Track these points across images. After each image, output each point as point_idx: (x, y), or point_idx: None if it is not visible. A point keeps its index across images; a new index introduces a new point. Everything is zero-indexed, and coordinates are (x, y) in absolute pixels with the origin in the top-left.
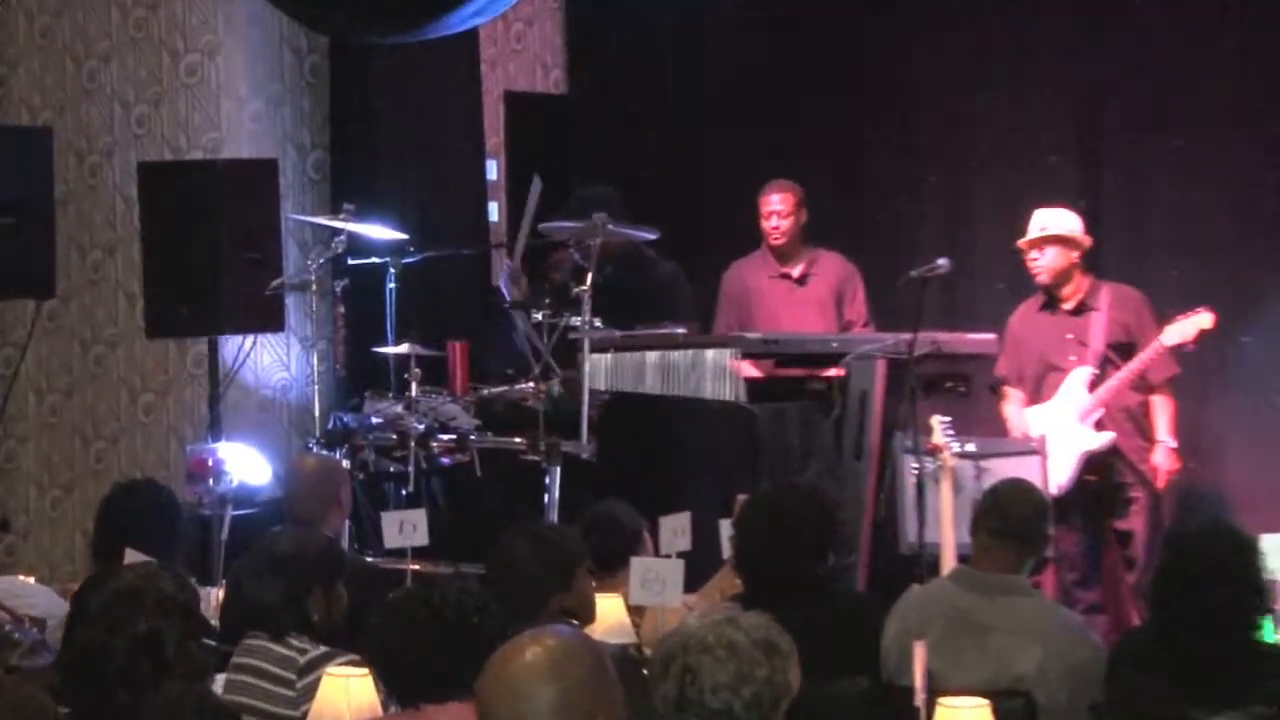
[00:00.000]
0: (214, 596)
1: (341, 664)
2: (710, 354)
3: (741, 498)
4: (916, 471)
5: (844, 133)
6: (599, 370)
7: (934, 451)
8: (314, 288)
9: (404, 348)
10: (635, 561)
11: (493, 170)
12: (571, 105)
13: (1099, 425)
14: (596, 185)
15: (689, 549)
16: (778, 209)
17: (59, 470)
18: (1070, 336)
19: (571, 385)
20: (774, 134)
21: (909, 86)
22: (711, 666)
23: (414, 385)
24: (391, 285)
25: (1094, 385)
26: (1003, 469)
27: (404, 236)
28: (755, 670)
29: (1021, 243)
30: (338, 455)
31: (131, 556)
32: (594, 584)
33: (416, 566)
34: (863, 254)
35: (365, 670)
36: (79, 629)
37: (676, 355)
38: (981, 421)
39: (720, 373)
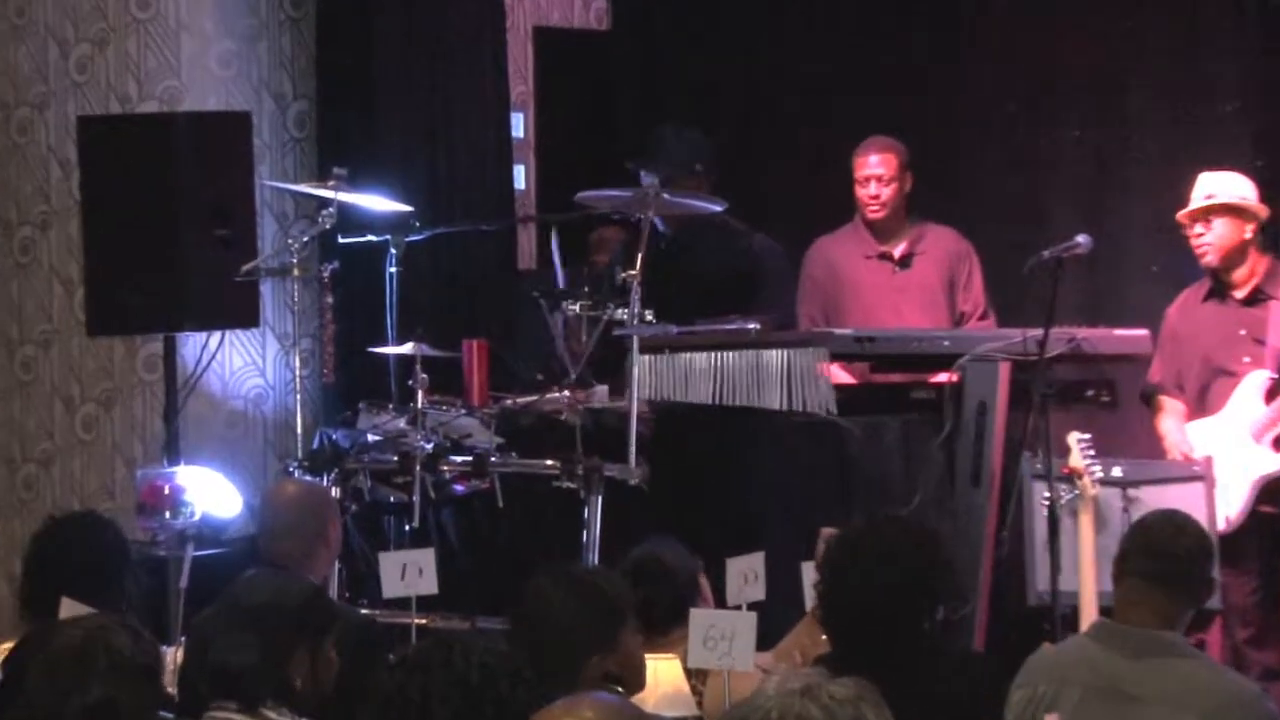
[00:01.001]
0: (172, 657)
1: None
2: (789, 355)
3: (828, 534)
4: (1048, 502)
5: (949, 74)
6: (650, 376)
7: (1071, 477)
8: (296, 273)
9: (408, 348)
10: (695, 614)
11: (519, 125)
12: (616, 44)
13: (1279, 443)
14: (684, 128)
15: (763, 598)
16: (877, 173)
17: None
18: (1243, 332)
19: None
20: (862, 79)
21: (1035, 10)
22: None
23: (420, 394)
24: (392, 269)
25: (1273, 394)
26: (1158, 498)
27: (408, 209)
28: None
29: (1182, 215)
30: (325, 482)
31: (69, 608)
32: (643, 643)
33: (423, 621)
34: (978, 231)
35: None
36: (14, 700)
37: (747, 357)
38: (1131, 439)
39: (802, 379)
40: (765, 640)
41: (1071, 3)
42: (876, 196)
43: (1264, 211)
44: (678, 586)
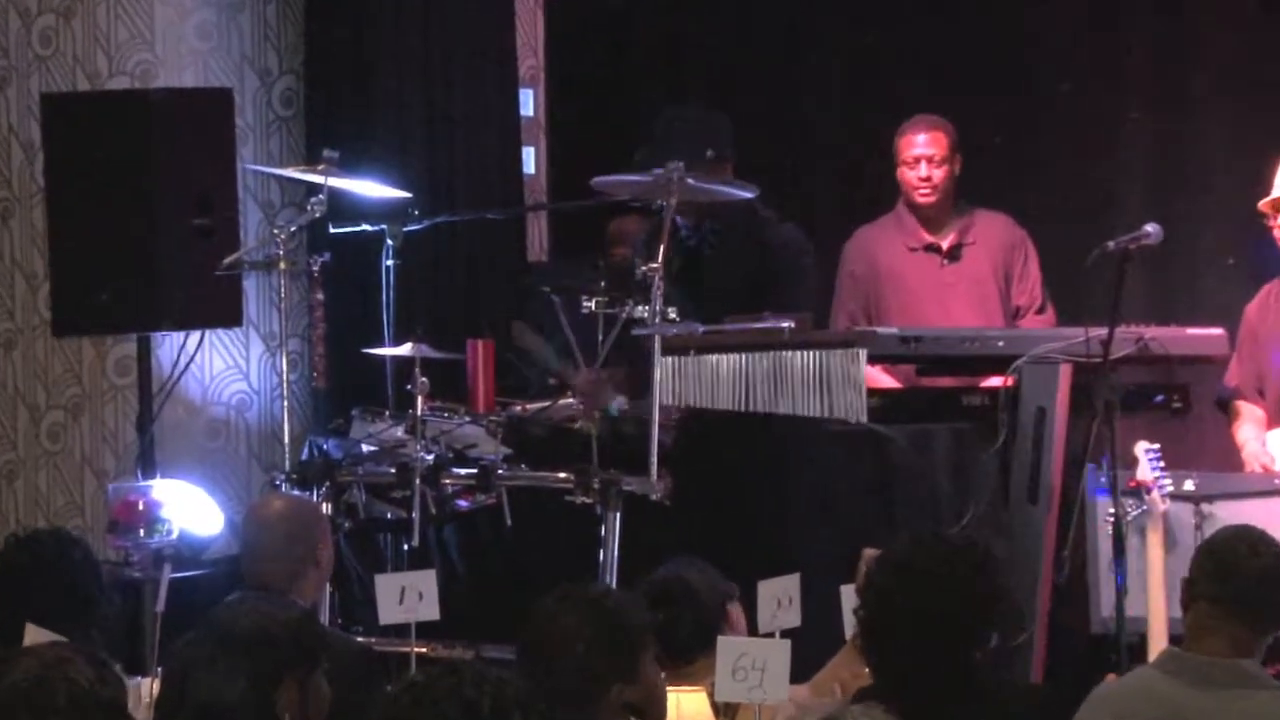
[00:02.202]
0: (147, 689)
1: None
2: (827, 357)
3: (870, 555)
4: (1113, 519)
5: (999, 49)
6: (673, 379)
7: (1138, 491)
8: (283, 266)
9: (406, 349)
10: (723, 642)
11: (529, 103)
12: (636, 12)
13: None
14: (693, 109)
15: (798, 625)
16: (927, 153)
17: None
18: None
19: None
20: (910, 54)
21: None
22: None
23: (419, 400)
24: (389, 262)
25: None
26: (1234, 514)
27: (406, 195)
28: None
29: (1263, 204)
30: (315, 497)
31: (34, 636)
32: (665, 673)
33: (423, 649)
34: (1035, 219)
35: None
36: None
37: (781, 359)
38: (1205, 449)
39: (841, 383)
40: (800, 671)
41: None
42: (927, 179)
43: None
44: (703, 611)
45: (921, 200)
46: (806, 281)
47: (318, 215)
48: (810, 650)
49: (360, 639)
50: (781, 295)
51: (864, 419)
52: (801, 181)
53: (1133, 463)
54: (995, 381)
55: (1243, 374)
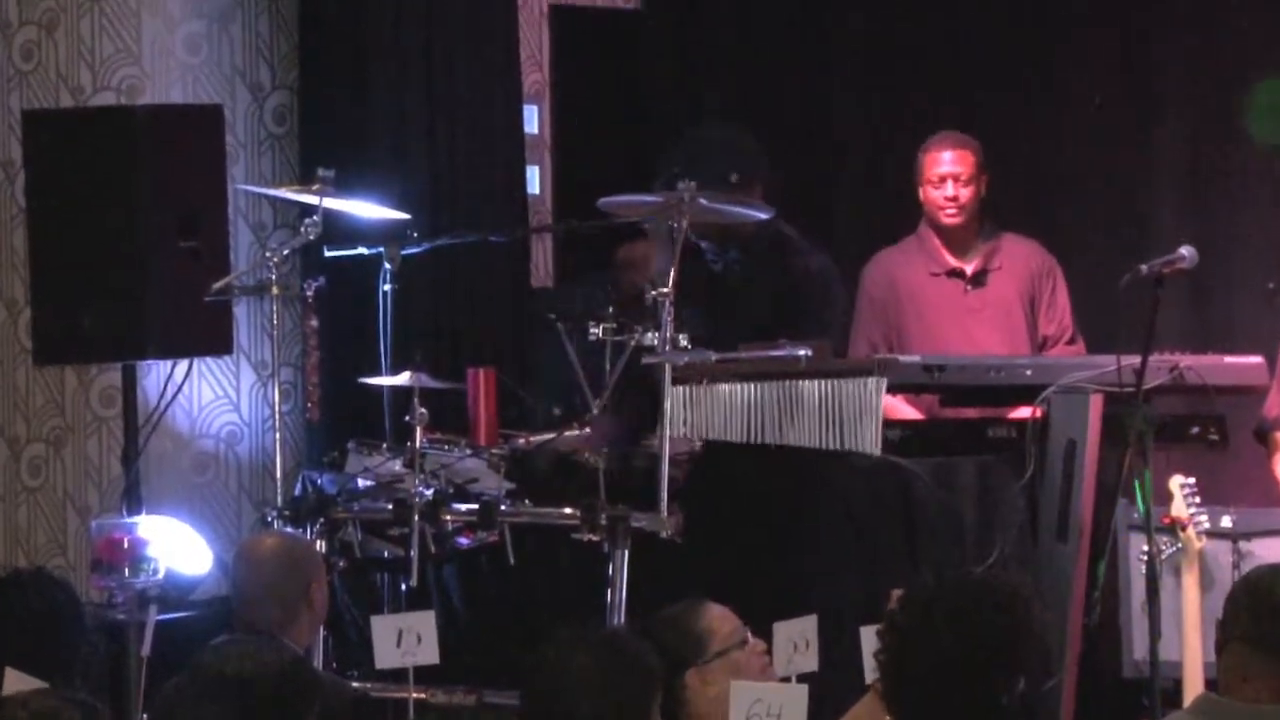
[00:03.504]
0: None
1: None
2: (847, 386)
3: (894, 595)
4: (1147, 557)
5: (1029, 62)
6: (684, 410)
7: (1173, 528)
8: (275, 291)
9: (404, 378)
10: (737, 687)
11: (533, 120)
12: (646, 24)
13: None
14: (717, 128)
15: (815, 669)
16: (954, 171)
17: None
18: None
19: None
20: (934, 70)
21: None
22: None
23: (418, 432)
24: (387, 287)
25: None
26: (1274, 552)
27: (405, 216)
28: None
29: None
30: (308, 534)
31: (15, 681)
32: None
33: (422, 695)
34: (1063, 241)
35: None
36: None
37: (798, 389)
38: (1244, 484)
39: (861, 414)
40: (819, 718)
41: None
42: (954, 199)
43: None
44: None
45: (948, 221)
46: (834, 313)
47: (312, 237)
48: (829, 696)
49: (356, 684)
50: (807, 326)
51: (883, 452)
52: (821, 201)
53: (1167, 498)
54: (1023, 412)
55: None
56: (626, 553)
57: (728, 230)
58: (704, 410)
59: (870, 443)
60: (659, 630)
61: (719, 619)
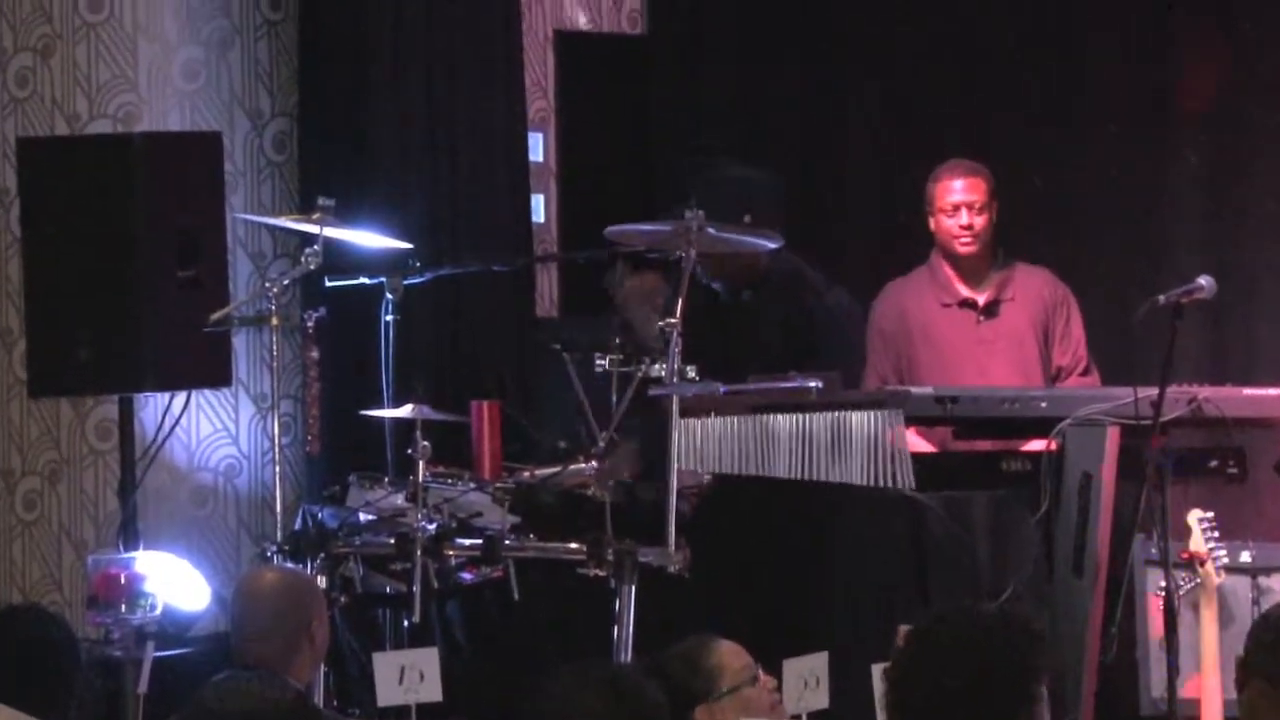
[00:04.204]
0: None
1: None
2: (858, 419)
3: (903, 630)
4: (1165, 593)
5: (1039, 87)
6: (692, 443)
7: (1191, 563)
8: (275, 322)
9: (406, 410)
10: None
11: (538, 147)
12: (653, 51)
13: None
14: (732, 166)
15: (826, 706)
16: (966, 199)
17: None
18: None
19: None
20: (946, 96)
21: (1142, 10)
22: None
23: (421, 466)
24: (389, 318)
25: None
26: None
27: (407, 245)
28: None
29: None
30: (309, 570)
31: (8, 719)
32: None
33: None
34: (1077, 270)
35: None
36: None
37: (808, 421)
38: (1264, 519)
39: (873, 447)
40: None
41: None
42: (968, 227)
43: None
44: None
45: (963, 250)
46: (850, 351)
47: (312, 267)
48: None
49: None
50: (822, 364)
51: (901, 484)
52: (829, 232)
53: (1185, 533)
54: (1038, 445)
55: None
56: (633, 588)
57: (740, 267)
58: (712, 443)
59: (888, 477)
60: (669, 665)
61: (730, 655)
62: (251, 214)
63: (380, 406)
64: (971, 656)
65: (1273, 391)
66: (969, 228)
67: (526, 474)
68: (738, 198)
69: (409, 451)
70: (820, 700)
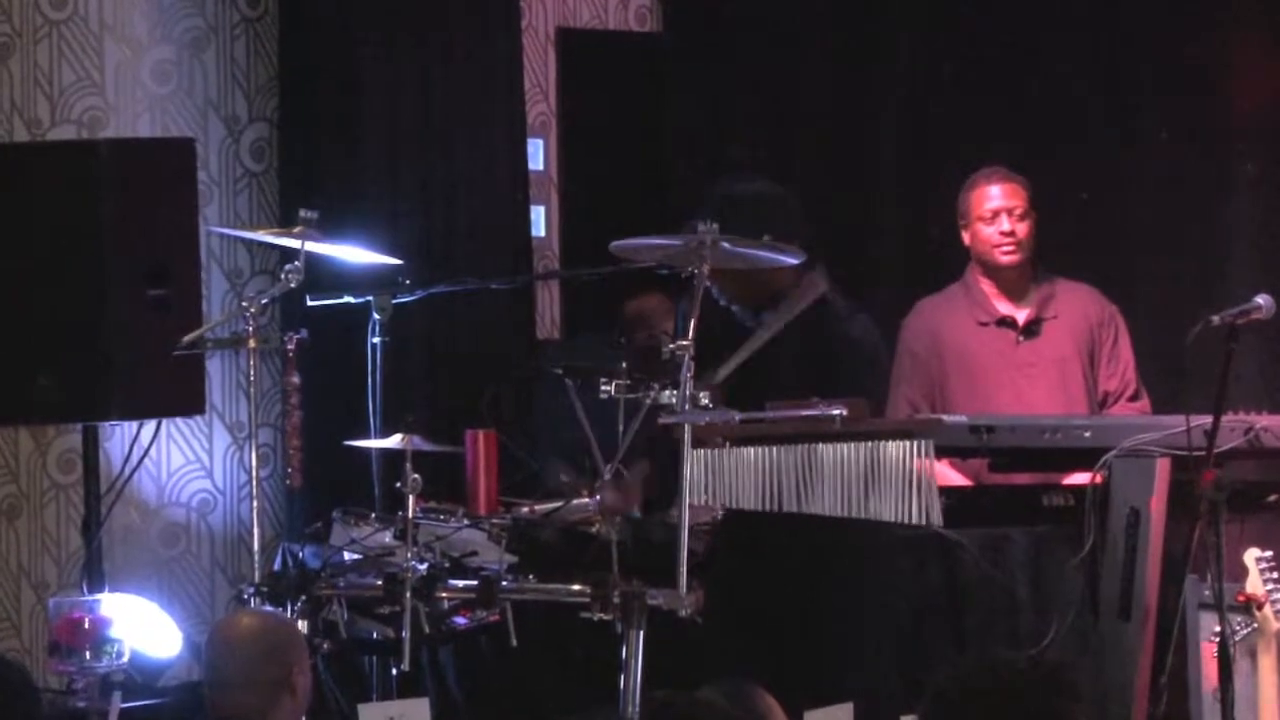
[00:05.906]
0: None
1: None
2: (886, 449)
3: (937, 680)
4: (1219, 639)
5: (1094, 85)
6: (705, 475)
7: (1248, 606)
8: (252, 344)
9: (395, 441)
10: None
11: (538, 155)
12: (664, 50)
13: None
14: (752, 182)
15: None
16: (1006, 205)
17: None
18: None
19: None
20: (982, 101)
21: (1191, 11)
22: None
23: (411, 501)
24: (376, 340)
25: None
26: None
27: (396, 262)
28: None
29: None
30: (289, 613)
31: None
32: None
33: None
34: (1126, 290)
35: None
36: None
37: (831, 452)
38: None
39: (903, 480)
40: None
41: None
42: (1010, 234)
43: None
44: None
45: (1004, 260)
46: (876, 381)
47: (293, 285)
48: None
49: None
50: (845, 393)
51: (931, 521)
52: (859, 247)
53: (1241, 573)
54: (1081, 478)
55: None
56: (642, 633)
57: (762, 295)
58: (727, 476)
59: (920, 513)
60: (703, 714)
61: (768, 709)
62: (227, 227)
63: (367, 436)
64: (1012, 713)
65: None
66: (1010, 234)
67: (525, 509)
68: (755, 216)
69: (398, 485)
70: None
